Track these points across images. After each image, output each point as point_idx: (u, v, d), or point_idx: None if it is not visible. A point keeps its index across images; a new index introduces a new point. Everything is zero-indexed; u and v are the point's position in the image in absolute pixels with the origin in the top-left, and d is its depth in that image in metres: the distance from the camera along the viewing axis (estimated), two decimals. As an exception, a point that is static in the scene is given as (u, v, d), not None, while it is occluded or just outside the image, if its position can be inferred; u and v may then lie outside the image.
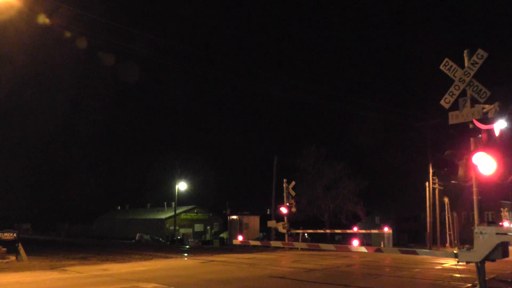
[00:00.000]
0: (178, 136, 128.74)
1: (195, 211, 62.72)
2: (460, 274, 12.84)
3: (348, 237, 45.72)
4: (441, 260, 20.07)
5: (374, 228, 38.99)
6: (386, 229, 32.09)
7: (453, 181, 8.96)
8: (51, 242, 46.03)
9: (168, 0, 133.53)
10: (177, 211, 52.74)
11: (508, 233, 7.63)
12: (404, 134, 43.49)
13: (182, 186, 51.33)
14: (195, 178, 64.97)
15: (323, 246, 17.23)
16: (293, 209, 31.20)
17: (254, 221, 39.44)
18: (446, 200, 37.29)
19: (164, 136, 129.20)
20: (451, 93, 9.10)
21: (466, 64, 9.05)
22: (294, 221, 36.75)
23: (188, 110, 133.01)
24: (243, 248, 31.13)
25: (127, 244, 42.29)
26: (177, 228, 52.18)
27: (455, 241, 36.85)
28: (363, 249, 12.57)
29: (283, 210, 30.91)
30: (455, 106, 9.03)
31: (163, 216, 60.31)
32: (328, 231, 38.95)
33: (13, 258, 19.67)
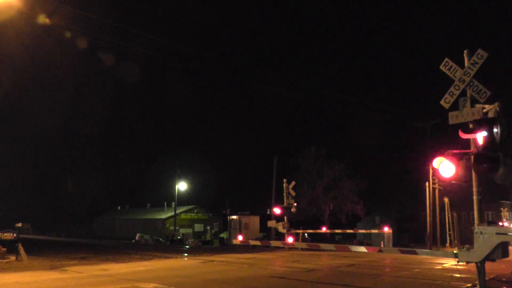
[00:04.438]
0: (178, 136, 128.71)
1: (195, 211, 62.69)
2: (460, 274, 12.84)
3: (348, 237, 45.74)
4: (441, 260, 20.06)
5: (374, 228, 38.96)
6: (386, 229, 32.06)
7: (453, 181, 8.98)
8: (51, 242, 46.01)
9: (168, 0, 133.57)
10: (177, 211, 52.72)
11: (508, 233, 7.63)
12: (404, 134, 43.51)
13: (182, 186, 51.30)
14: (195, 178, 65.03)
15: (323, 246, 17.22)
16: (293, 210, 31.10)
17: (254, 221, 39.43)
18: (446, 200, 37.32)
19: (164, 136, 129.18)
20: (451, 93, 9.09)
21: (466, 64, 9.04)
22: (294, 221, 36.73)
23: (188, 110, 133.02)
24: (243, 248, 31.13)
25: (127, 244, 42.27)
26: (177, 228, 52.16)
27: (455, 241, 36.87)
28: (363, 249, 12.58)
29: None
30: (455, 106, 9.02)
31: (163, 216, 60.28)
32: (328, 231, 38.94)
33: (13, 258, 19.67)
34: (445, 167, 8.61)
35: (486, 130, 8.31)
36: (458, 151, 8.71)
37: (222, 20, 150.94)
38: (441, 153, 8.86)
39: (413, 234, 46.63)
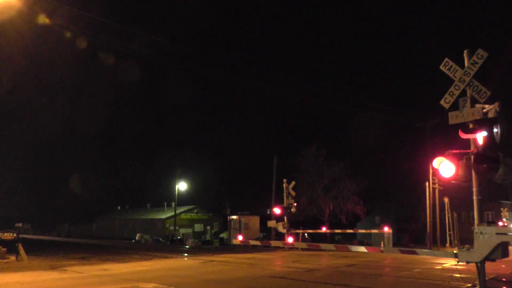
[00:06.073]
0: (178, 136, 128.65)
1: (195, 211, 62.68)
2: (460, 274, 12.84)
3: (348, 237, 45.73)
4: (441, 260, 20.08)
5: (374, 228, 38.95)
6: (386, 229, 32.06)
7: (453, 181, 8.98)
8: (51, 242, 46.01)
9: (168, 0, 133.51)
10: (177, 211, 52.72)
11: (508, 233, 7.63)
12: (404, 134, 43.52)
13: (182, 186, 51.31)
14: (195, 178, 65.02)
15: (323, 246, 17.24)
16: (293, 210, 31.13)
17: (254, 221, 39.44)
18: (446, 200, 37.33)
19: (164, 136, 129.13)
20: (451, 93, 9.09)
21: (466, 64, 9.03)
22: (294, 221, 36.72)
23: (188, 110, 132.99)
24: (243, 248, 31.14)
25: (127, 244, 42.26)
26: (177, 228, 52.16)
27: (455, 241, 36.86)
28: (363, 249, 12.58)
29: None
30: (455, 106, 9.02)
31: (163, 216, 60.29)
32: (328, 231, 38.93)
33: (13, 258, 19.67)
34: (445, 167, 8.60)
35: (486, 130, 8.32)
36: (458, 151, 8.72)
37: (222, 20, 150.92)
38: (441, 153, 8.86)
39: (413, 234, 46.64)
